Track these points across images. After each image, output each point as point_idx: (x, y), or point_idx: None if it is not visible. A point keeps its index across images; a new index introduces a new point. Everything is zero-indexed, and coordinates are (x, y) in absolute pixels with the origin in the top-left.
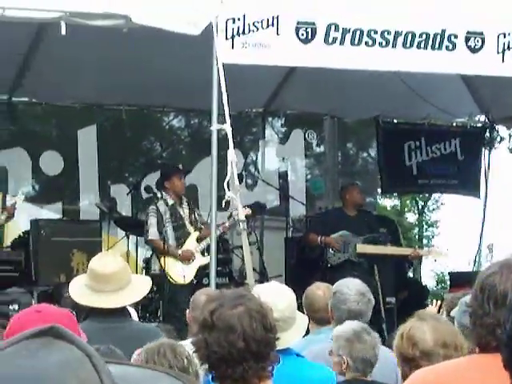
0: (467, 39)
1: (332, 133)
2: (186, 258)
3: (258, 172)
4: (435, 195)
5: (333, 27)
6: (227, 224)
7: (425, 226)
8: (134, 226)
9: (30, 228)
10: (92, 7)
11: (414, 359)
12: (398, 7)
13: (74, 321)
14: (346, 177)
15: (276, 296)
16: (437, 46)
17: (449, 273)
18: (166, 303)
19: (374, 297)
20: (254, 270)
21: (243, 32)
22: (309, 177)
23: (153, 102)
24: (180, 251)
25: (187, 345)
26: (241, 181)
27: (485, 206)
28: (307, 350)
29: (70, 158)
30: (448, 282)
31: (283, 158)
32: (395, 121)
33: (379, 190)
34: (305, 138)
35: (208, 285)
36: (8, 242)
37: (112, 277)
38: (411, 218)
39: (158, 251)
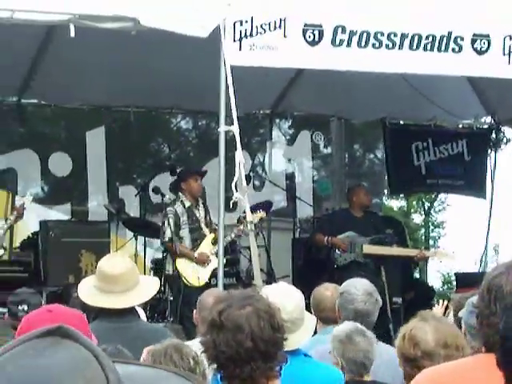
0: (473, 41)
1: (339, 134)
2: (202, 262)
3: (266, 173)
4: (441, 196)
5: (340, 29)
6: (242, 227)
7: (431, 227)
8: (143, 227)
9: (39, 229)
10: (101, 10)
11: (416, 359)
12: (405, 9)
13: (84, 321)
14: (353, 178)
15: (284, 297)
16: (443, 48)
17: (455, 273)
18: (180, 304)
19: (381, 297)
20: (261, 270)
21: (251, 34)
22: (316, 178)
23: (161, 104)
24: (196, 254)
25: (194, 345)
26: (248, 182)
27: (491, 206)
28: (314, 350)
29: (78, 160)
30: (454, 283)
31: (290, 160)
32: (401, 122)
33: (386, 191)
34: (312, 140)
35: (235, 285)
36: (17, 243)
37: (120, 277)
38: (417, 218)
39: (174, 253)
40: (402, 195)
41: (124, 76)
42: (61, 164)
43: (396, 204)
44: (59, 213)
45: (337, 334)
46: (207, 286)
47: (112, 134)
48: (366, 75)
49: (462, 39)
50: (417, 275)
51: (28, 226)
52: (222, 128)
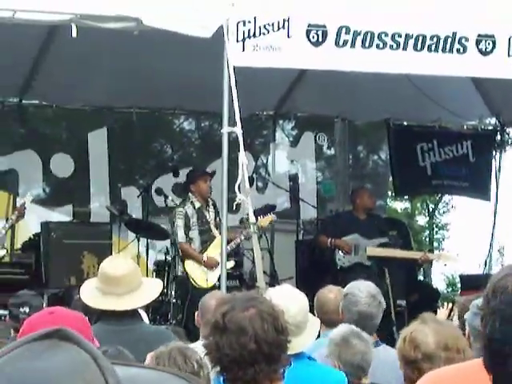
0: (478, 42)
1: (343, 135)
2: (210, 266)
3: (269, 175)
4: (446, 198)
5: (344, 30)
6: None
7: (435, 229)
8: (145, 229)
9: (41, 230)
10: (103, 10)
11: (416, 361)
12: (409, 10)
13: (86, 323)
14: (357, 179)
15: (288, 300)
16: (447, 48)
17: (459, 276)
18: (187, 306)
19: (385, 300)
20: (264, 272)
21: (254, 35)
22: (319, 179)
23: (163, 105)
24: (205, 257)
25: (197, 347)
26: (251, 183)
27: (495, 208)
28: (317, 353)
29: (80, 161)
30: (459, 285)
31: (294, 161)
32: (406, 123)
33: (390, 193)
34: (315, 141)
35: (238, 287)
36: (19, 244)
37: (123, 279)
38: (421, 220)
39: (183, 254)
40: (406, 197)
41: (126, 76)
42: (62, 165)
43: (400, 206)
44: (61, 214)
45: (333, 337)
46: (215, 288)
47: (114, 135)
48: (369, 76)
49: (467, 40)
50: (421, 277)
51: (29, 228)
52: (225, 129)
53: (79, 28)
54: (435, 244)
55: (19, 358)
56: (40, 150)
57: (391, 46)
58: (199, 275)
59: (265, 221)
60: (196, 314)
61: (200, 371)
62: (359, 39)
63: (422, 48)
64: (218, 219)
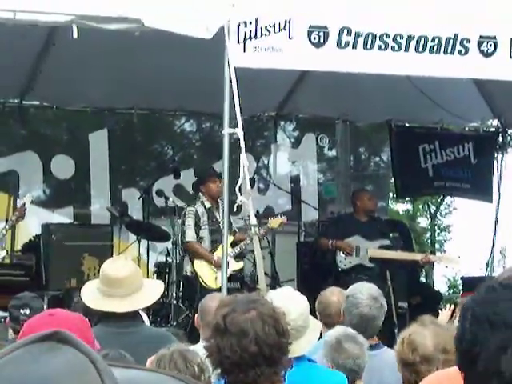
0: (480, 43)
1: (344, 137)
2: (219, 265)
3: (270, 176)
4: (447, 200)
5: (345, 31)
6: (262, 231)
7: (437, 231)
8: (146, 231)
9: (41, 232)
10: (104, 11)
11: (414, 364)
12: (411, 11)
13: (86, 326)
14: (358, 181)
15: (289, 304)
16: (449, 50)
17: (461, 278)
18: (196, 306)
19: (386, 301)
20: (265, 274)
21: (255, 36)
22: (321, 181)
23: (164, 106)
24: (215, 257)
25: (196, 349)
26: (252, 185)
27: (497, 210)
28: (317, 355)
29: (81, 162)
30: (460, 287)
31: (295, 162)
32: (407, 125)
33: (391, 195)
34: (317, 142)
35: (239, 289)
36: (19, 246)
37: (124, 281)
38: (423, 222)
39: (194, 254)
40: (408, 199)
41: (127, 78)
42: (63, 166)
43: (402, 207)
44: (61, 216)
45: (328, 339)
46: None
47: (115, 137)
48: (371, 77)
49: (469, 41)
50: (423, 279)
51: (30, 229)
52: (226, 130)
53: (80, 29)
54: (437, 246)
55: (17, 361)
56: (40, 152)
57: (393, 48)
58: (208, 275)
59: (275, 222)
60: (196, 316)
61: (201, 375)
62: (361, 40)
63: (424, 49)
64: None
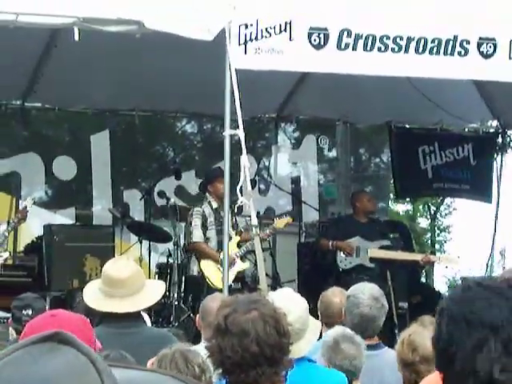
0: (479, 45)
1: (344, 138)
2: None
3: (271, 177)
4: (447, 200)
5: (345, 33)
6: (268, 231)
7: (437, 231)
8: (147, 232)
9: (43, 233)
10: (105, 13)
11: (414, 364)
12: (411, 13)
13: (88, 326)
14: (359, 182)
15: (287, 307)
16: (449, 51)
17: (461, 278)
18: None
19: (387, 301)
20: (266, 275)
21: (256, 38)
22: (321, 182)
23: (166, 108)
24: (222, 256)
25: (198, 349)
26: (253, 186)
27: (497, 210)
28: (317, 355)
29: (82, 163)
30: None
31: (296, 163)
32: (407, 126)
33: (391, 196)
34: (317, 144)
35: (240, 289)
36: (21, 247)
37: (126, 281)
38: (423, 223)
39: (200, 254)
40: (408, 199)
41: (128, 79)
42: (65, 168)
43: (402, 208)
44: (63, 217)
45: (326, 339)
46: (230, 288)
47: (116, 138)
48: (371, 79)
49: (468, 43)
50: (423, 280)
51: (32, 231)
52: (227, 132)
53: (81, 31)
54: (437, 246)
55: (18, 361)
56: (42, 153)
57: (393, 49)
58: (215, 275)
59: (281, 222)
60: (197, 316)
61: (202, 375)
62: (361, 42)
63: (424, 51)
64: (234, 220)
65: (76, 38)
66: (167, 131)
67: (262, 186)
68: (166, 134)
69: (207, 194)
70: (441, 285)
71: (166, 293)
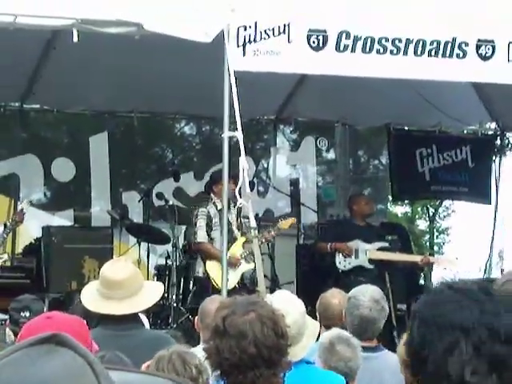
0: (478, 47)
1: (343, 140)
2: (232, 265)
3: (270, 179)
4: (446, 202)
5: (344, 35)
6: (273, 233)
7: (436, 233)
8: (146, 233)
9: (42, 235)
10: (104, 14)
11: None
12: (409, 15)
13: (84, 328)
14: (357, 184)
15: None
16: (448, 53)
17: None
18: None
19: None
20: (265, 276)
21: (254, 39)
22: (320, 184)
23: (164, 109)
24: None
25: (196, 351)
26: (252, 188)
27: (495, 212)
28: (314, 356)
29: (81, 165)
30: None
31: (294, 165)
32: (406, 128)
33: (390, 197)
34: (316, 145)
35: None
36: (20, 248)
37: (124, 283)
38: (422, 225)
39: (205, 255)
40: (406, 201)
41: (127, 81)
42: (64, 169)
43: (401, 210)
44: (62, 218)
45: (322, 340)
46: (235, 289)
47: (115, 140)
48: (370, 81)
49: (467, 45)
50: (421, 281)
51: (30, 232)
52: (226, 134)
53: (80, 33)
54: (436, 248)
55: (16, 363)
56: (41, 155)
57: (391, 51)
58: (220, 276)
59: (285, 223)
60: (196, 318)
61: (199, 376)
62: (359, 44)
63: (423, 53)
64: (239, 221)
65: (75, 39)
66: (166, 133)
67: (261, 188)
68: (164, 135)
69: (212, 194)
70: None
71: (164, 294)
